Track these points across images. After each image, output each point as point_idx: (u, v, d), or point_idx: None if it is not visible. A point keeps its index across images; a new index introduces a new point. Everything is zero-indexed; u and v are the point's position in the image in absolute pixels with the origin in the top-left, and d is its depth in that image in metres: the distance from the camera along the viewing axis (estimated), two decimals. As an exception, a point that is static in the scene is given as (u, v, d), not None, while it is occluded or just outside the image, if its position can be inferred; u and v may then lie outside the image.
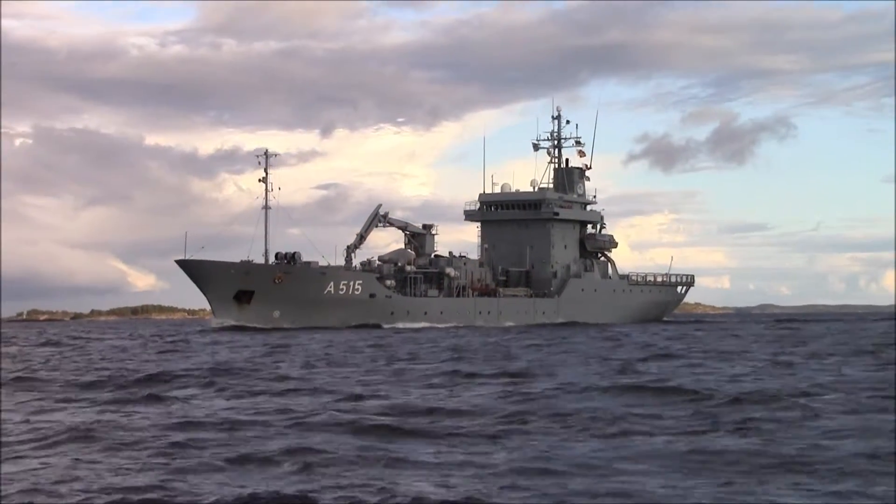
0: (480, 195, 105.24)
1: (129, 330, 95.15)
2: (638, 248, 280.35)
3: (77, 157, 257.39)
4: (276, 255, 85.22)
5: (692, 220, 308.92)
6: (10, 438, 17.98)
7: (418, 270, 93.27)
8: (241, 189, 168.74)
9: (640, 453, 16.08)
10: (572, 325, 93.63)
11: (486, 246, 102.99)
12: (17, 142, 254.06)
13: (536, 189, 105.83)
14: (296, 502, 12.75)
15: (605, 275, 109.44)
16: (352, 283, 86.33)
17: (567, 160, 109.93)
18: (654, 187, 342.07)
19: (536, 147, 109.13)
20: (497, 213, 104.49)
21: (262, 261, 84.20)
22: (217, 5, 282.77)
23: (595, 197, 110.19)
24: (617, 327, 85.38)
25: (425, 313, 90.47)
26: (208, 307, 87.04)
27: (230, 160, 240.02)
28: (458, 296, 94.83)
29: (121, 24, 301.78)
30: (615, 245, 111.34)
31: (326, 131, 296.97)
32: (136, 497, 12.99)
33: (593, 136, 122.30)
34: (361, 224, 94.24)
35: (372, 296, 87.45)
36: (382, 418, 20.07)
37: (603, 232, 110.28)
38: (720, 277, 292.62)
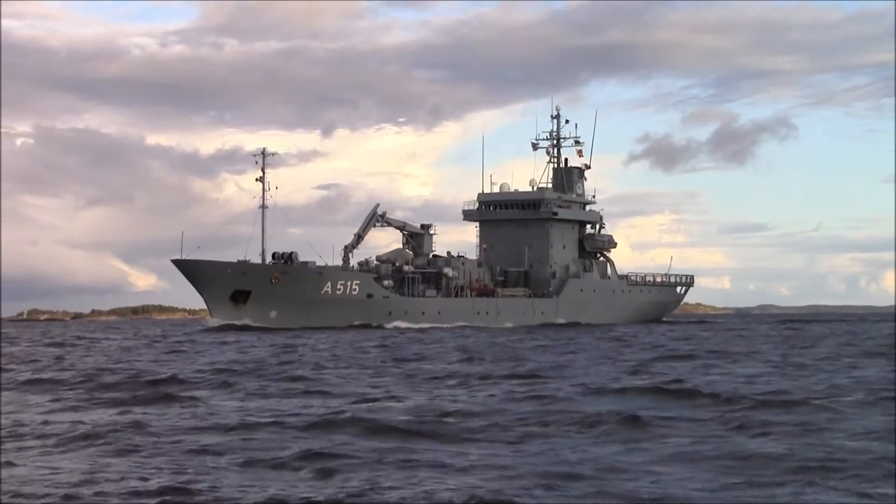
0: (479, 195, 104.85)
1: (132, 330, 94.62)
2: (639, 249, 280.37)
3: (78, 156, 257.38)
4: (273, 255, 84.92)
5: (693, 220, 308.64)
6: (35, 441, 17.67)
7: (416, 270, 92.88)
8: (241, 189, 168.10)
9: (669, 456, 15.82)
10: (574, 325, 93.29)
11: (484, 246, 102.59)
12: (18, 141, 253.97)
13: (535, 189, 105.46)
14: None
15: (604, 275, 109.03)
16: (349, 283, 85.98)
17: (566, 160, 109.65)
18: (654, 188, 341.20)
19: (535, 147, 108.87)
20: (496, 212, 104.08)
21: (259, 261, 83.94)
22: (218, 5, 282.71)
23: (594, 197, 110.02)
24: (620, 328, 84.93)
25: (423, 313, 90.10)
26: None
27: (231, 160, 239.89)
28: (456, 296, 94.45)
29: (121, 23, 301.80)
30: (614, 245, 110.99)
31: (327, 131, 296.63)
32: (154, 501, 12.82)
33: (592, 135, 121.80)
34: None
35: (369, 296, 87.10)
36: (401, 419, 19.76)
37: (602, 232, 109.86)
38: (720, 278, 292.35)
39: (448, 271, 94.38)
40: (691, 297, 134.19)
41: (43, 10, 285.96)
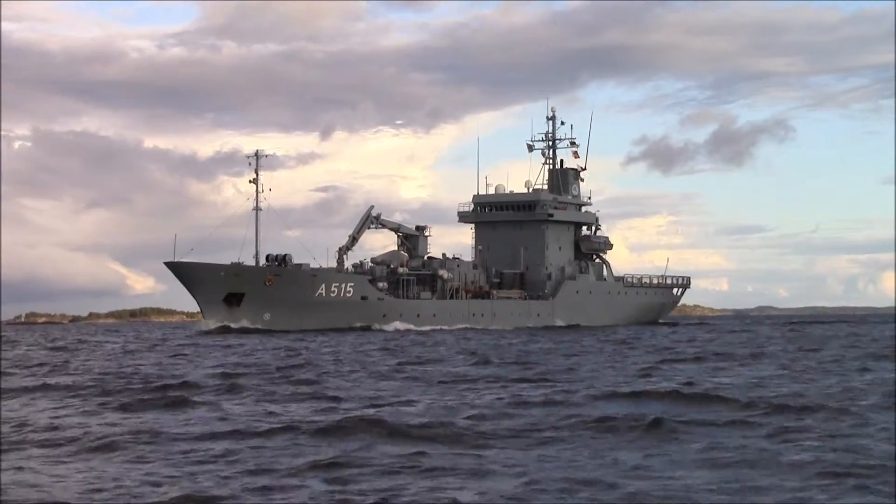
0: (474, 196, 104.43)
1: (132, 333, 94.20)
2: (637, 250, 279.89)
3: (76, 159, 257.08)
4: (267, 257, 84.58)
5: (691, 221, 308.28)
6: (43, 449, 17.28)
7: (411, 272, 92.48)
8: (239, 191, 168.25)
9: (694, 462, 15.51)
10: (574, 327, 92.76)
11: (479, 248, 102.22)
12: (17, 144, 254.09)
13: (531, 190, 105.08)
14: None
15: (600, 277, 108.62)
16: (343, 286, 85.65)
17: (562, 161, 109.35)
18: (652, 189, 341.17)
19: (531, 148, 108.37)
20: (491, 214, 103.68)
21: (252, 263, 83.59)
22: (216, 8, 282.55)
23: (590, 198, 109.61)
24: (621, 330, 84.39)
25: (418, 315, 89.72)
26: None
27: (229, 162, 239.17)
28: (451, 298, 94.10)
29: (119, 26, 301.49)
30: (610, 247, 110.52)
31: (326, 133, 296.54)
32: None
33: (588, 137, 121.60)
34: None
35: (364, 298, 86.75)
36: (416, 423, 19.41)
37: (598, 233, 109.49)
38: (719, 279, 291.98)
39: (443, 273, 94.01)
40: (689, 299, 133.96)
41: (41, 12, 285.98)
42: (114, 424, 20.05)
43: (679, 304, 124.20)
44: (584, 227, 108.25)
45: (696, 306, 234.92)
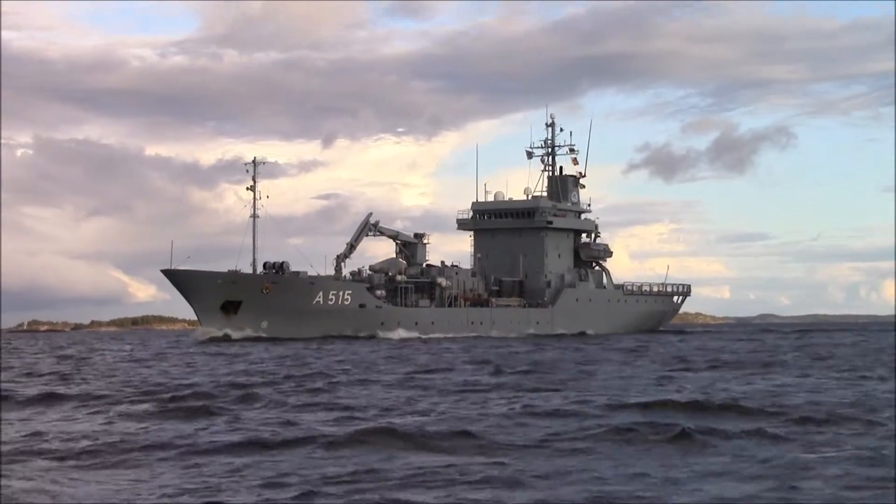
0: (473, 204, 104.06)
1: (135, 341, 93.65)
2: (638, 258, 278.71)
3: (78, 167, 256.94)
4: (265, 265, 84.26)
5: (692, 229, 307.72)
6: (71, 460, 17.03)
7: (409, 280, 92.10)
8: (241, 199, 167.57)
9: (724, 473, 15.29)
10: (581, 335, 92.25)
11: (478, 255, 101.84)
12: (18, 152, 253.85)
13: (530, 197, 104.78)
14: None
15: (599, 284, 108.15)
16: (341, 293, 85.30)
17: (561, 168, 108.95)
18: (654, 197, 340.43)
19: (530, 155, 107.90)
20: (490, 221, 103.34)
21: (250, 270, 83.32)
22: (218, 16, 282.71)
23: (590, 205, 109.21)
24: (626, 338, 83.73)
25: (416, 323, 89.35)
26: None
27: (231, 170, 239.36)
28: (449, 306, 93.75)
29: (121, 34, 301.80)
30: (610, 254, 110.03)
31: (327, 141, 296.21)
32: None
33: (587, 144, 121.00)
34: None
35: (362, 306, 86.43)
36: (435, 431, 19.17)
37: (598, 241, 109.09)
38: (720, 287, 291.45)
39: (441, 281, 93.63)
40: (691, 307, 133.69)
41: (42, 20, 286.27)
42: (134, 434, 19.87)
43: (681, 312, 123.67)
44: (584, 235, 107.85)
45: (697, 314, 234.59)
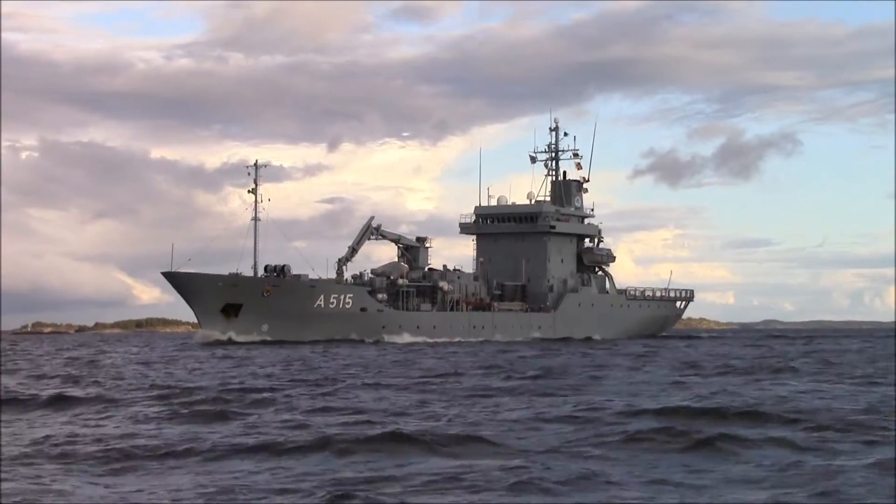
0: (476, 208, 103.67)
1: (141, 343, 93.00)
2: (642, 264, 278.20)
3: (83, 170, 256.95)
4: (266, 268, 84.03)
5: (697, 235, 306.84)
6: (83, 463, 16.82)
7: (411, 284, 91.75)
8: (245, 202, 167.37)
9: (747, 480, 15.05)
10: (587, 340, 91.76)
11: (481, 259, 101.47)
12: (24, 155, 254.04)
13: (533, 202, 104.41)
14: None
15: (602, 289, 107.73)
16: (342, 297, 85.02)
17: (564, 173, 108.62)
18: (659, 203, 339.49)
19: (534, 160, 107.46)
20: (493, 226, 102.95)
21: (251, 273, 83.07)
22: (224, 20, 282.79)
23: (593, 210, 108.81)
24: (631, 342, 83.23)
25: (418, 327, 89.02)
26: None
27: (236, 174, 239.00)
28: (451, 310, 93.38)
29: (126, 37, 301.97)
30: (613, 259, 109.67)
31: (333, 145, 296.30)
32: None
33: (591, 148, 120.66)
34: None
35: (363, 309, 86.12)
36: (456, 435, 18.94)
37: (601, 246, 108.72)
38: (725, 293, 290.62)
39: (443, 285, 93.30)
40: (695, 312, 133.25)
41: (48, 23, 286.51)
42: (149, 438, 19.65)
43: (685, 317, 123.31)
44: (587, 240, 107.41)
45: (702, 319, 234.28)
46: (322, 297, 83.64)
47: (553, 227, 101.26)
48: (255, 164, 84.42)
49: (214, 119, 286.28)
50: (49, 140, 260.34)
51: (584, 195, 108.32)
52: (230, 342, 77.38)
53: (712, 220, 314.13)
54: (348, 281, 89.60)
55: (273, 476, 15.39)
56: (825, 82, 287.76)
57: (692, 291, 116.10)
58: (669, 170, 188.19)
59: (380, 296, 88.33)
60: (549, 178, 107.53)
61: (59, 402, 26.84)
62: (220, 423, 21.85)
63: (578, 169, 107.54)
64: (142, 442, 18.84)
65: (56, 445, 18.51)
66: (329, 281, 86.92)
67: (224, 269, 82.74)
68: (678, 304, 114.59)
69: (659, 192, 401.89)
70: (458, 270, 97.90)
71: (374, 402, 26.12)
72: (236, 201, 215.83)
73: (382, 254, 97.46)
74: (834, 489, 14.24)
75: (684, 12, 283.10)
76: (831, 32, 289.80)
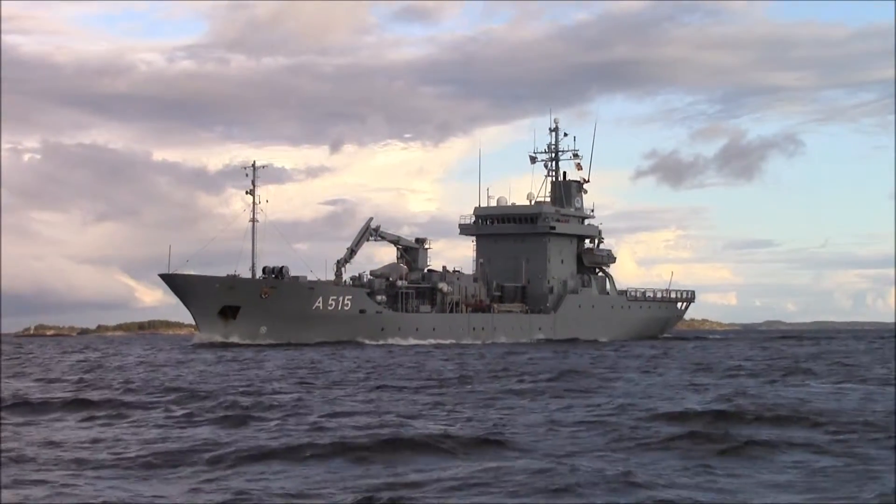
0: (476, 209, 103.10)
1: (146, 346, 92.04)
2: (644, 265, 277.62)
3: (85, 172, 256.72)
4: (264, 270, 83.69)
5: (699, 236, 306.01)
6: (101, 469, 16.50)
7: (410, 285, 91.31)
8: (247, 204, 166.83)
9: (780, 484, 14.72)
10: (592, 342, 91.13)
11: (480, 261, 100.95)
12: (26, 157, 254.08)
13: (533, 203, 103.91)
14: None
15: (602, 290, 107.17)
16: (341, 299, 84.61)
17: (564, 173, 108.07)
18: (661, 203, 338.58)
19: (534, 160, 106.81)
20: (492, 227, 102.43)
21: (248, 275, 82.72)
22: (226, 21, 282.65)
23: (593, 211, 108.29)
24: (639, 344, 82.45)
25: (417, 329, 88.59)
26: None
27: (238, 175, 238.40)
28: (451, 311, 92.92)
29: (129, 39, 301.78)
30: (613, 260, 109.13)
31: (335, 147, 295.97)
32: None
33: (591, 149, 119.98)
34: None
35: (362, 311, 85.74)
36: (471, 437, 18.60)
37: (602, 246, 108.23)
38: (726, 294, 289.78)
39: (443, 286, 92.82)
40: (697, 313, 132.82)
41: (50, 25, 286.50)
42: (167, 441, 19.33)
43: (688, 318, 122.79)
44: (587, 241, 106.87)
45: (704, 320, 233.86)
46: (321, 298, 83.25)
47: (553, 228, 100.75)
48: (254, 166, 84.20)
49: (217, 121, 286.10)
50: (51, 142, 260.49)
51: (585, 196, 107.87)
52: (227, 345, 76.82)
53: (714, 220, 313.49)
54: (347, 282, 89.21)
55: (291, 481, 15.06)
56: (827, 83, 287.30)
57: (693, 292, 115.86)
58: (672, 171, 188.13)
59: (379, 297, 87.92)
60: (549, 179, 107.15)
61: (77, 405, 26.45)
62: (237, 427, 21.44)
63: (579, 169, 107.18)
64: (164, 447, 18.53)
65: (77, 449, 18.25)
66: (328, 283, 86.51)
67: (224, 271, 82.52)
68: (679, 305, 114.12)
69: (661, 192, 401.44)
70: (458, 272, 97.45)
71: (389, 405, 25.68)
72: (238, 203, 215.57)
73: (384, 255, 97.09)
74: (868, 492, 13.99)
75: (686, 13, 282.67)
76: (833, 33, 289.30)
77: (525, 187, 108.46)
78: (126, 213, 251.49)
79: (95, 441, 19.48)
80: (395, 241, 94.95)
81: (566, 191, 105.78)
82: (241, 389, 31.27)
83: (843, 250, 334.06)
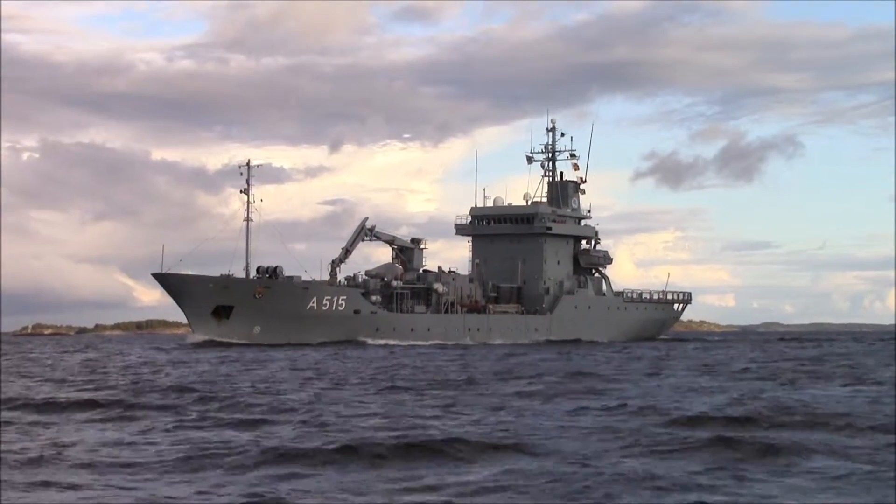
0: (472, 209, 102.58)
1: (146, 345, 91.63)
2: (643, 266, 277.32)
3: (84, 171, 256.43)
4: (258, 269, 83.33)
5: (698, 237, 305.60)
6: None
7: (405, 286, 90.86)
8: (244, 203, 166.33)
9: (815, 487, 14.51)
10: (590, 343, 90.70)
11: (476, 261, 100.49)
12: (24, 156, 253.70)
13: (529, 203, 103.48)
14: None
15: (599, 291, 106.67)
16: (335, 299, 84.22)
17: (561, 174, 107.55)
18: (659, 205, 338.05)
19: (530, 160, 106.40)
20: (488, 227, 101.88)
21: (242, 275, 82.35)
22: (226, 21, 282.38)
23: (590, 212, 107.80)
24: (641, 347, 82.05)
25: (412, 330, 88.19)
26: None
27: (237, 175, 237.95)
28: (446, 312, 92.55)
29: (128, 39, 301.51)
30: (610, 261, 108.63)
31: (334, 147, 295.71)
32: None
33: (588, 149, 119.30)
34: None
35: (356, 311, 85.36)
36: (495, 439, 18.20)
37: (598, 247, 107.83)
38: (724, 295, 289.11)
39: (438, 287, 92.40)
40: (695, 315, 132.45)
41: (50, 24, 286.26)
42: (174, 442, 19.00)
43: (685, 319, 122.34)
44: (584, 241, 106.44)
45: (702, 322, 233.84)
46: (315, 299, 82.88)
47: (549, 229, 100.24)
48: (248, 165, 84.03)
49: (216, 120, 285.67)
50: (50, 141, 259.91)
51: (582, 196, 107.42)
52: (222, 344, 76.43)
53: (713, 222, 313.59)
54: (342, 283, 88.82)
55: (305, 485, 14.74)
56: (826, 84, 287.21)
57: (690, 294, 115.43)
58: (671, 172, 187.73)
59: (373, 298, 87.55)
60: (546, 179, 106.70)
61: (87, 406, 26.07)
62: (246, 429, 21.00)
63: (576, 170, 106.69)
64: (181, 448, 18.23)
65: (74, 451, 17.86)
66: (322, 283, 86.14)
67: (220, 271, 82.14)
68: (676, 306, 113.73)
69: (660, 194, 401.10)
70: (454, 272, 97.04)
71: (399, 407, 25.27)
72: (237, 203, 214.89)
73: (382, 256, 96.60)
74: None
75: (685, 14, 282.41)
76: (832, 34, 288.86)
77: (522, 188, 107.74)
78: (125, 213, 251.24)
79: (117, 443, 19.19)
80: (391, 242, 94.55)
81: (563, 191, 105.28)
82: (251, 390, 30.92)
83: (841, 252, 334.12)
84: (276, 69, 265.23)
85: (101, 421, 23.04)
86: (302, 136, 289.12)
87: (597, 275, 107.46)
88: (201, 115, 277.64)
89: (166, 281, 79.87)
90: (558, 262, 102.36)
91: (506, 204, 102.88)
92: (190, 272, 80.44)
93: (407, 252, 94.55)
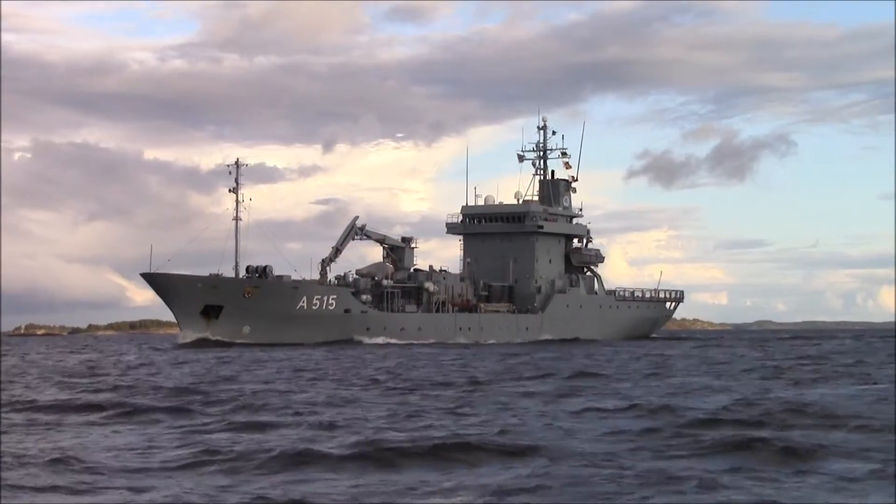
0: (463, 208, 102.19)
1: (142, 345, 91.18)
2: (636, 265, 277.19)
3: (76, 171, 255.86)
4: (247, 269, 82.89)
5: (691, 236, 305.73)
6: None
7: (396, 285, 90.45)
8: (239, 203, 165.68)
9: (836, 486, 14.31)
10: (587, 342, 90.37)
11: (467, 260, 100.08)
12: (16, 156, 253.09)
13: (521, 201, 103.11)
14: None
15: (590, 290, 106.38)
16: (325, 298, 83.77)
17: (553, 172, 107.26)
18: (652, 203, 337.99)
19: (521, 158, 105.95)
20: (480, 226, 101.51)
21: (232, 274, 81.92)
22: (219, 21, 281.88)
23: (581, 210, 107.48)
24: (642, 345, 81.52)
25: (402, 329, 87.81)
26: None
27: (230, 175, 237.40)
28: (437, 311, 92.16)
29: (120, 38, 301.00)
30: (602, 259, 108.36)
31: (327, 146, 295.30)
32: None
33: (580, 148, 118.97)
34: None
35: (347, 311, 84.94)
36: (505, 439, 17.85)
37: (590, 246, 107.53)
38: (718, 293, 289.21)
39: (429, 286, 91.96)
40: (688, 313, 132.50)
41: (42, 24, 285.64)
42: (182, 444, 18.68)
43: (679, 318, 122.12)
44: (575, 240, 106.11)
45: (695, 320, 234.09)
46: (305, 298, 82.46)
47: (541, 227, 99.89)
48: (237, 164, 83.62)
49: (208, 120, 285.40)
50: (42, 141, 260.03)
51: (573, 195, 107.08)
52: (210, 344, 76.02)
53: (706, 220, 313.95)
54: (332, 282, 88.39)
55: (315, 489, 14.39)
56: (818, 83, 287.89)
57: (682, 292, 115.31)
58: (664, 171, 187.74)
59: (364, 297, 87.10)
60: (537, 178, 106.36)
61: (93, 409, 25.61)
62: (254, 431, 20.59)
63: (567, 168, 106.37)
64: (188, 451, 17.90)
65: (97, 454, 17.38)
66: (312, 282, 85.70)
67: (210, 271, 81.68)
68: (668, 304, 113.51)
69: (653, 193, 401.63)
70: (445, 271, 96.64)
71: (405, 408, 24.88)
72: (230, 203, 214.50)
73: (376, 255, 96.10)
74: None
75: (678, 13, 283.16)
76: (824, 34, 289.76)
77: (514, 187, 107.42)
78: (117, 213, 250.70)
79: (125, 447, 18.81)
80: (381, 240, 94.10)
81: (554, 190, 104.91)
82: (254, 390, 30.59)
83: (833, 250, 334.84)
84: (269, 68, 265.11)
85: (105, 424, 22.70)
86: (295, 136, 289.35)
87: (589, 273, 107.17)
88: (194, 115, 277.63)
89: (155, 281, 79.44)
90: (550, 261, 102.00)
91: (497, 202, 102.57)
92: (181, 272, 79.93)
93: (398, 251, 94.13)
